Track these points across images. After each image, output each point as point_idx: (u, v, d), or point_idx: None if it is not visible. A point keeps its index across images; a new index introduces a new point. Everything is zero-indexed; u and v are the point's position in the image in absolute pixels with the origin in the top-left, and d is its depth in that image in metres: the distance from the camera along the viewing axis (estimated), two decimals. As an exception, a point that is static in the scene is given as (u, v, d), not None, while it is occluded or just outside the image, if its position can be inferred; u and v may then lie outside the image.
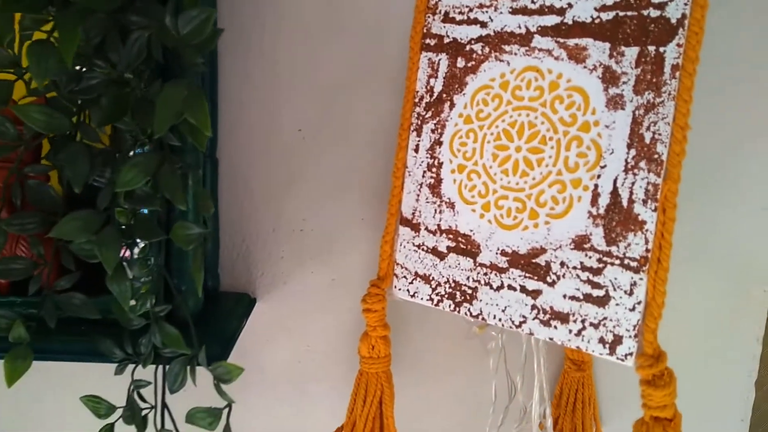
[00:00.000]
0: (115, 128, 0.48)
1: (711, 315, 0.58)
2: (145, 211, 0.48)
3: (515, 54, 0.45)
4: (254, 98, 0.61)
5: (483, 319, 0.47)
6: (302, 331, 0.64)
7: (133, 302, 0.48)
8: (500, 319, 0.46)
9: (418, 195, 0.50)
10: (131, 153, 0.47)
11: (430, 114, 0.50)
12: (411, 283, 0.51)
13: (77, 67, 0.44)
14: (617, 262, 0.40)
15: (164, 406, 0.48)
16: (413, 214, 0.51)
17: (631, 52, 0.40)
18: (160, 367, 0.49)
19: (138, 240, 0.49)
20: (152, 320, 0.47)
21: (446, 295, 0.49)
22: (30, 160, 0.52)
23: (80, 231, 0.45)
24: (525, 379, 0.56)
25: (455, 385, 0.63)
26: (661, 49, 0.38)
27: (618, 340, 0.40)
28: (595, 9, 0.41)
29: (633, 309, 0.40)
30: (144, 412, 0.49)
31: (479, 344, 0.59)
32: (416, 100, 0.51)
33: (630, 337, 0.40)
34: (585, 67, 0.42)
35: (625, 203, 0.40)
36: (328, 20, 0.58)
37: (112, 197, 0.46)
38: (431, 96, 0.50)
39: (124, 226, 0.47)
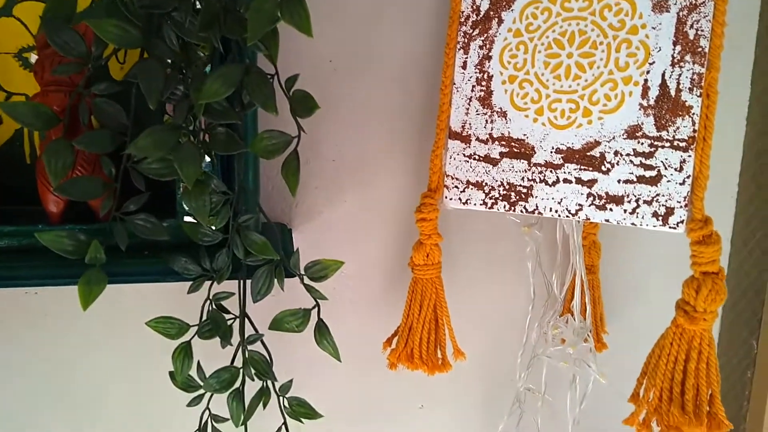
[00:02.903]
0: (185, 43, 0.48)
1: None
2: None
3: (562, -30, 0.50)
4: (284, 29, 0.62)
5: (539, 213, 0.52)
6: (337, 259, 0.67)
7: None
8: (556, 211, 0.51)
9: (468, 108, 0.55)
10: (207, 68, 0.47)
11: (477, 31, 0.54)
12: (463, 191, 0.55)
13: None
14: (668, 144, 0.47)
15: (245, 316, 0.50)
16: (463, 127, 0.55)
17: (674, -39, 0.46)
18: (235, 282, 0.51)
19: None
20: (233, 232, 0.48)
21: (500, 197, 0.54)
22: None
23: (157, 147, 0.45)
24: (558, 279, 0.62)
25: (493, 286, 0.68)
26: (701, -43, 0.45)
27: (670, 211, 0.47)
28: (638, -75, 0.47)
29: (683, 183, 0.46)
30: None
31: (514, 248, 0.65)
32: (462, 19, 0.55)
33: (681, 207, 0.46)
34: (630, -23, 0.47)
35: (673, 93, 0.46)
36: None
37: (188, 111, 0.47)
38: (477, 15, 0.54)
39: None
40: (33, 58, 0.56)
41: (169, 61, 0.47)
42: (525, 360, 0.63)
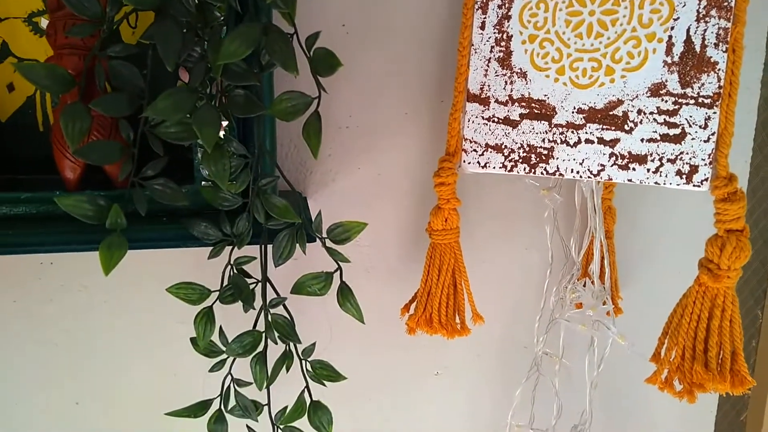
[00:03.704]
0: (201, 3, 0.47)
1: None
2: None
3: (583, -75, 0.49)
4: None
5: (560, 175, 0.52)
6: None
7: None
8: (578, 172, 0.51)
9: (486, 70, 0.54)
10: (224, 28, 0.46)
11: (495, -9, 0.53)
12: (482, 155, 0.55)
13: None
14: (692, 101, 0.46)
15: (267, 280, 0.50)
16: (481, 89, 0.54)
17: None
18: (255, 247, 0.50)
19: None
20: (253, 195, 0.48)
21: (520, 160, 0.53)
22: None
23: (176, 109, 0.44)
24: (575, 243, 0.62)
25: (511, 250, 0.68)
26: None
27: (694, 169, 0.47)
28: None
29: (707, 140, 0.46)
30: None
31: (532, 212, 0.64)
32: (479, -21, 0.54)
33: (706, 164, 0.46)
34: (655, -70, 0.46)
35: (698, 48, 0.46)
36: None
37: (205, 73, 0.46)
38: (496, -26, 0.53)
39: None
40: (44, 22, 0.55)
41: (185, 21, 0.46)
42: (543, 324, 0.63)
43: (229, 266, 0.50)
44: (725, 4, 0.45)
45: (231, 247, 0.50)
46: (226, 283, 0.50)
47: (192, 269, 0.58)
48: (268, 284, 0.50)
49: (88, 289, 0.61)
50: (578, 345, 0.65)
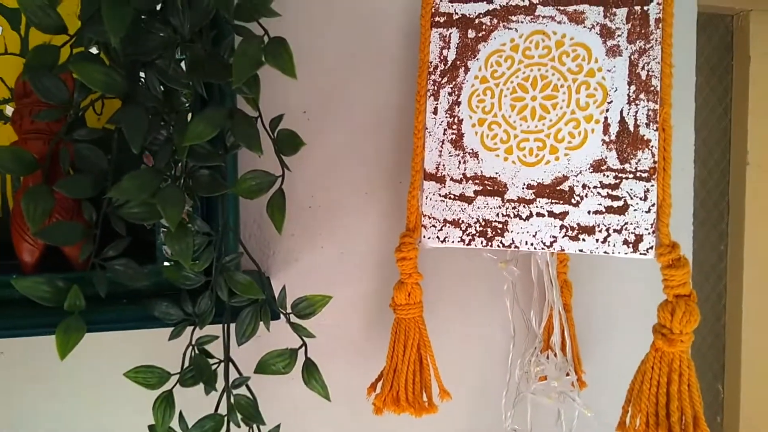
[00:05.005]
0: (168, 89, 0.49)
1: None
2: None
3: (521, 22, 0.55)
4: (262, 84, 0.64)
5: (516, 247, 0.54)
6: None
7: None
8: (532, 244, 0.53)
9: (441, 151, 0.57)
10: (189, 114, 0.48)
11: (446, 79, 0.57)
12: (440, 230, 0.57)
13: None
14: (631, 175, 0.50)
15: (229, 360, 0.49)
16: (437, 168, 0.57)
17: (622, 12, 0.51)
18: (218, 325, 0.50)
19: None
20: (216, 273, 0.48)
21: (477, 234, 0.55)
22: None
23: (141, 190, 0.45)
24: (536, 316, 0.63)
25: (473, 325, 0.68)
26: (645, 8, 0.50)
27: (639, 238, 0.49)
28: (587, -18, 0.52)
29: (649, 211, 0.49)
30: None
31: (491, 287, 0.66)
32: (430, 69, 0.58)
33: (649, 233, 0.49)
34: (584, 26, 0.52)
35: (632, 128, 0.50)
36: (329, 4, 0.64)
37: (171, 155, 0.47)
38: (445, 64, 0.57)
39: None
40: (9, 110, 0.56)
41: (151, 106, 0.48)
42: (510, 399, 0.63)
43: (191, 347, 0.49)
44: (652, 88, 0.49)
45: (193, 327, 0.49)
46: (187, 364, 0.48)
47: (153, 350, 0.57)
48: (231, 364, 0.49)
49: (41, 374, 0.58)
50: (546, 418, 0.65)
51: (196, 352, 0.48)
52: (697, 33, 0.72)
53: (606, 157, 0.51)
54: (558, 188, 0.52)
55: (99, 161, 0.48)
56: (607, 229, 0.51)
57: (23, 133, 0.49)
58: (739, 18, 1.28)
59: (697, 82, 0.73)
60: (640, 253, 0.50)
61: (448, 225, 0.56)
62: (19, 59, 0.56)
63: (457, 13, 0.57)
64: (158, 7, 0.47)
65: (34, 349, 0.57)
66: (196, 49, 0.46)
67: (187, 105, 0.49)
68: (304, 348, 0.48)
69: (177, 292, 0.50)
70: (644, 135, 0.50)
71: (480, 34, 0.56)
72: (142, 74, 0.48)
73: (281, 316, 0.49)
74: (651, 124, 0.49)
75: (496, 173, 0.55)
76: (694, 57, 0.72)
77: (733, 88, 1.34)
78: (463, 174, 0.56)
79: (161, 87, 0.49)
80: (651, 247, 0.49)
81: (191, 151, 0.47)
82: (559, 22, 0.53)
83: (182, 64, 0.49)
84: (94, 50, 0.48)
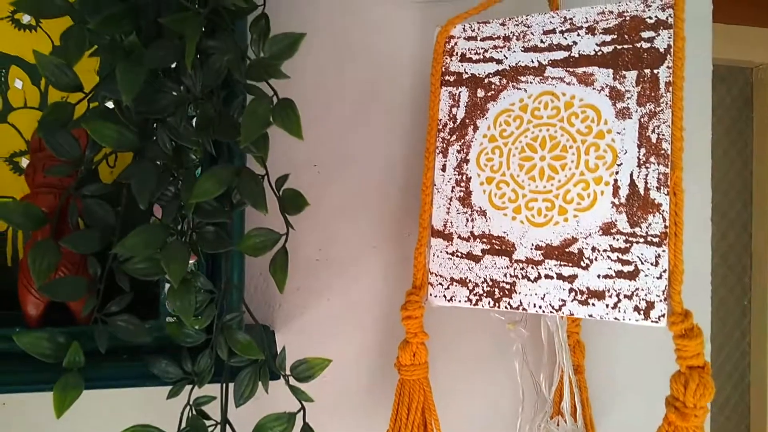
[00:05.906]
0: (178, 146, 0.50)
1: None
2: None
3: (531, 83, 0.55)
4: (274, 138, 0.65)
5: (524, 309, 0.52)
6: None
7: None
8: (540, 307, 0.52)
9: (449, 208, 0.57)
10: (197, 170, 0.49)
11: (454, 137, 0.57)
12: (447, 288, 0.56)
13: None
14: (641, 240, 0.49)
15: (226, 422, 0.48)
16: (444, 225, 0.57)
17: (631, 75, 0.51)
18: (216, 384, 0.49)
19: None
20: (217, 331, 0.48)
21: (484, 294, 0.54)
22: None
23: (145, 246, 0.46)
24: (546, 379, 0.61)
25: (480, 385, 0.66)
26: (655, 71, 0.50)
27: (650, 305, 0.48)
28: (597, 45, 0.52)
29: (660, 277, 0.48)
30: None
31: (499, 346, 0.64)
32: (440, 126, 0.58)
33: (661, 300, 0.48)
34: (594, 88, 0.52)
35: (642, 191, 0.49)
36: (339, 61, 0.65)
37: (177, 210, 0.48)
38: (454, 122, 0.58)
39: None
40: (24, 162, 0.57)
41: (161, 163, 0.48)
42: (518, 466, 0.61)
43: (188, 407, 0.48)
44: (662, 152, 0.49)
45: (192, 385, 0.49)
46: (183, 425, 0.48)
47: (152, 408, 0.56)
48: (228, 426, 0.48)
49: (38, 428, 0.58)
50: (556, 488, 0.62)
51: (194, 413, 0.47)
52: (716, 84, 0.72)
53: (616, 220, 0.50)
54: (567, 250, 0.51)
55: (107, 216, 0.48)
56: (618, 295, 0.49)
57: (35, 186, 0.50)
58: (758, 71, 1.27)
59: (716, 134, 0.72)
60: (652, 321, 0.48)
61: (455, 284, 0.56)
62: (37, 113, 0.57)
63: (467, 73, 0.58)
64: (173, 65, 0.48)
65: (34, 401, 0.57)
66: (207, 108, 0.46)
67: (196, 161, 0.49)
68: (302, 412, 0.47)
69: (178, 348, 0.50)
70: (655, 199, 0.49)
71: (489, 94, 0.56)
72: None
73: (280, 377, 0.48)
74: (662, 187, 0.48)
75: (504, 232, 0.54)
76: (710, 115, 0.71)
77: (753, 140, 1.32)
78: (471, 232, 0.55)
79: (172, 143, 0.49)
80: (663, 315, 0.48)
81: (198, 207, 0.47)
82: (569, 84, 0.53)
83: (192, 121, 0.50)
84: (110, 104, 0.49)
